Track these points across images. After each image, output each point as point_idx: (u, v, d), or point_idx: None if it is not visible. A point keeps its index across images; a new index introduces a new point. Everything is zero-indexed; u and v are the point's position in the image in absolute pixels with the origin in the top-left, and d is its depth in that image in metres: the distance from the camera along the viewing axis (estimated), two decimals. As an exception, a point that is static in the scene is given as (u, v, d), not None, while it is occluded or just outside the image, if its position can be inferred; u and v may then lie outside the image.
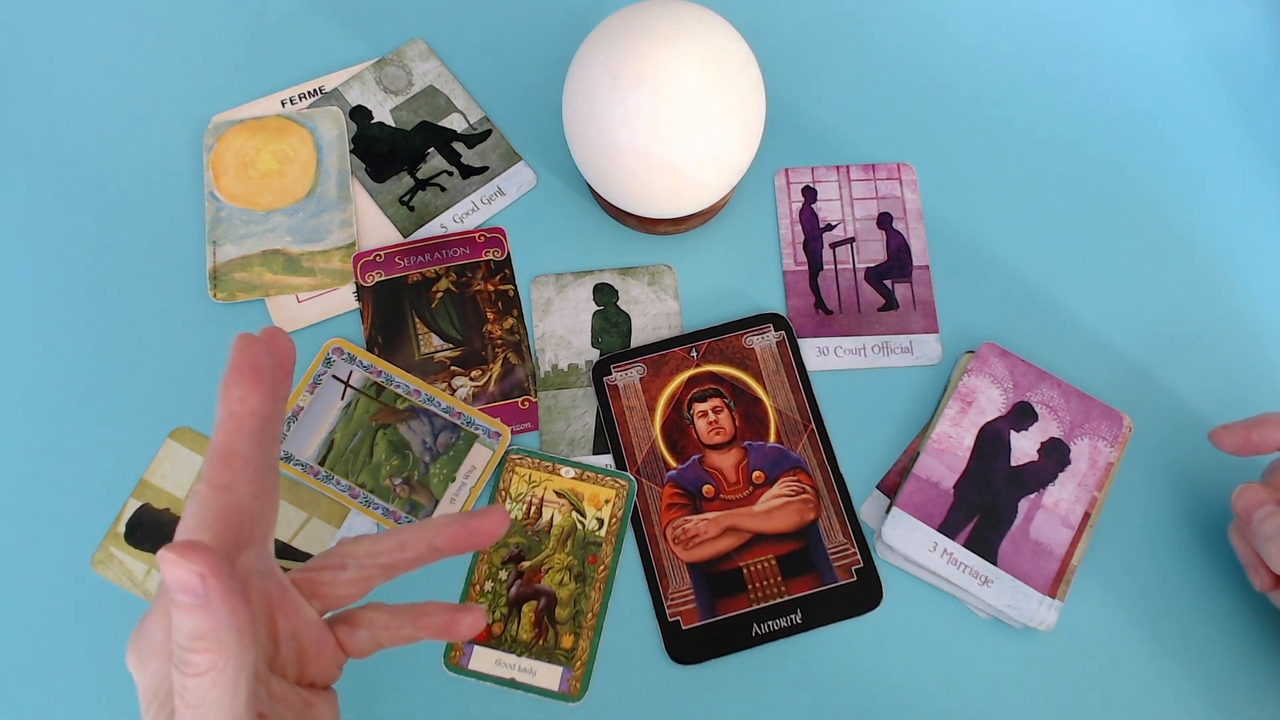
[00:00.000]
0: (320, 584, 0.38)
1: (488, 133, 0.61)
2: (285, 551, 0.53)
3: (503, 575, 0.52)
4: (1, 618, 0.52)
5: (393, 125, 0.61)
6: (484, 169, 0.61)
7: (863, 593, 0.52)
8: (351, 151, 0.61)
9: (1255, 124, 0.62)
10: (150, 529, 0.53)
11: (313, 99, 0.62)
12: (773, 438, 0.55)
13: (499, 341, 0.57)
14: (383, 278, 0.58)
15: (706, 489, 0.54)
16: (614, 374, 0.56)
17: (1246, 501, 0.47)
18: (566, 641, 0.51)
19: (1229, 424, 0.49)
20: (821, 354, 0.57)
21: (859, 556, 0.53)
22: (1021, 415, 0.54)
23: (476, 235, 0.59)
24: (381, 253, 0.58)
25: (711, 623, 0.52)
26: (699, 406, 0.55)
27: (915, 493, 0.53)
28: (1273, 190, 0.61)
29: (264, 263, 0.58)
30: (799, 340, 0.57)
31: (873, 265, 0.59)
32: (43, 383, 0.56)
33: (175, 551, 0.29)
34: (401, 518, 0.53)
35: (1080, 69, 0.64)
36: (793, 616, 0.52)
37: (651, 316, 0.58)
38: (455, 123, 0.62)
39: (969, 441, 0.54)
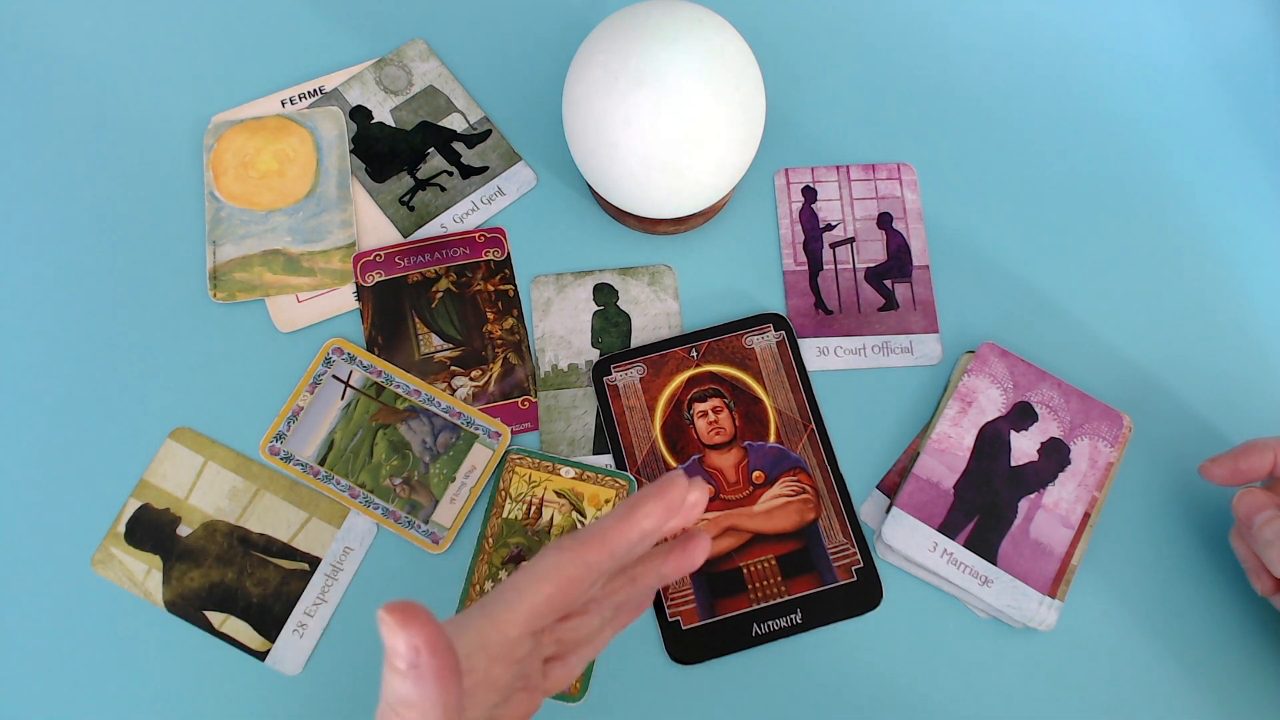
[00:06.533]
0: (565, 631, 0.39)
1: (488, 133, 0.61)
2: (285, 551, 0.53)
3: (503, 575, 0.52)
4: (1, 618, 0.52)
5: (393, 125, 0.61)
6: (484, 169, 0.61)
7: (863, 593, 0.52)
8: (351, 151, 0.61)
9: (1254, 124, 0.62)
10: (150, 529, 0.53)
11: (313, 99, 0.62)
12: (773, 438, 0.55)
13: (499, 341, 0.57)
14: (383, 278, 0.58)
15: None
16: (614, 374, 0.56)
17: (1248, 506, 0.47)
18: (566, 641, 0.51)
19: (1216, 456, 0.49)
20: (821, 354, 0.57)
21: (859, 556, 0.53)
22: (1021, 415, 0.54)
23: (476, 235, 0.59)
24: (381, 253, 0.58)
25: (711, 623, 0.52)
26: (699, 406, 0.55)
27: (915, 493, 0.53)
28: (1272, 190, 0.61)
29: (264, 263, 0.58)
30: (799, 340, 0.57)
31: (873, 265, 0.59)
32: (43, 382, 0.56)
33: (395, 616, 0.29)
34: (401, 518, 0.53)
35: (1080, 69, 0.64)
36: (793, 616, 0.52)
37: (651, 316, 0.58)
38: (455, 123, 0.61)
39: (969, 441, 0.54)
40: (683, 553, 0.40)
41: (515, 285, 0.58)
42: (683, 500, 0.36)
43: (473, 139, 0.61)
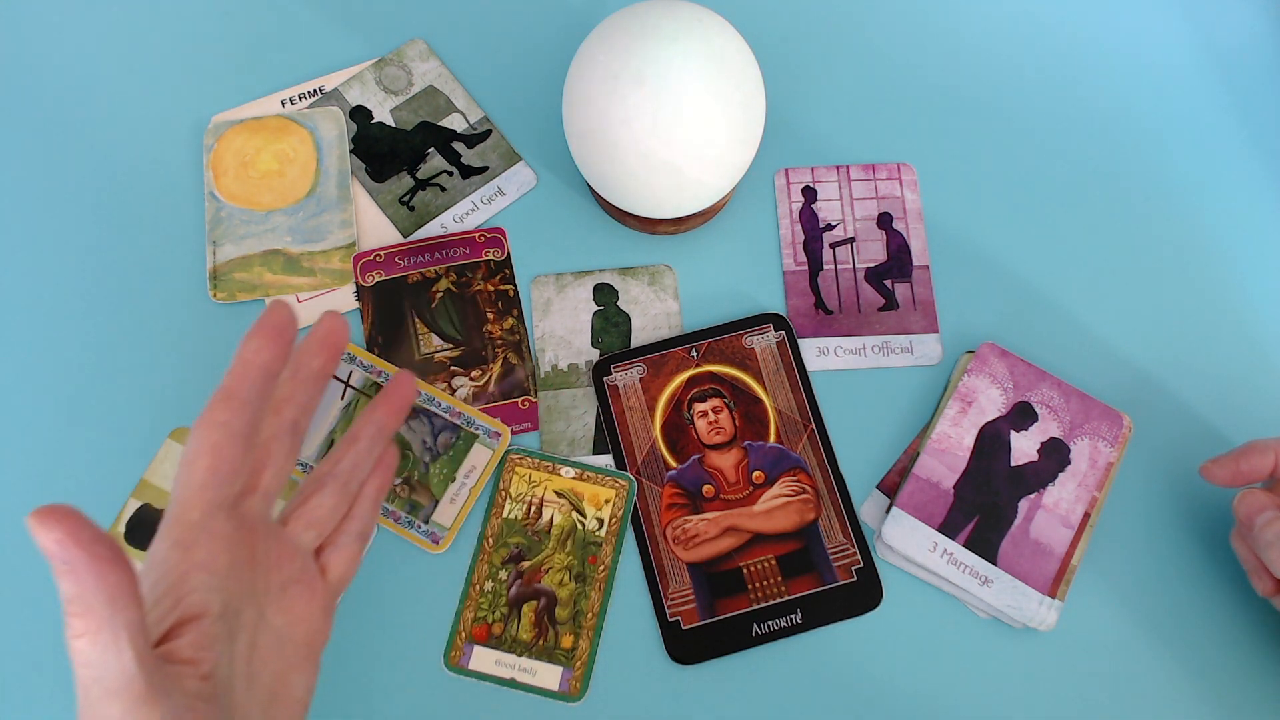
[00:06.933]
0: (307, 512, 0.40)
1: (488, 133, 0.61)
2: (285, 551, 0.53)
3: (503, 575, 0.52)
4: (1, 618, 0.52)
5: (393, 125, 0.61)
6: (484, 169, 0.61)
7: (863, 593, 0.52)
8: (351, 151, 0.61)
9: (1254, 123, 0.62)
10: (150, 529, 0.53)
11: (313, 99, 0.62)
12: (773, 438, 0.55)
13: (499, 341, 0.57)
14: (383, 278, 0.58)
15: (706, 489, 0.54)
16: (614, 374, 0.56)
17: (1249, 507, 0.47)
18: (566, 641, 0.51)
19: (1216, 457, 0.49)
20: (821, 354, 0.57)
21: (859, 556, 0.53)
22: (1021, 415, 0.54)
23: (476, 235, 0.59)
24: (381, 253, 0.58)
25: (711, 623, 0.52)
26: (699, 406, 0.55)
27: (915, 493, 0.53)
28: (1272, 190, 0.61)
29: (264, 263, 0.58)
30: (799, 340, 0.57)
31: (873, 265, 0.59)
32: (43, 383, 0.56)
33: (37, 516, 0.29)
34: (401, 518, 0.53)
35: (1081, 69, 0.64)
36: (793, 616, 0.52)
37: (651, 316, 0.58)
38: (455, 123, 0.62)
39: (969, 441, 0.54)
40: (387, 397, 0.41)
41: (515, 285, 0.58)
42: (286, 323, 0.37)
43: (473, 139, 0.61)
